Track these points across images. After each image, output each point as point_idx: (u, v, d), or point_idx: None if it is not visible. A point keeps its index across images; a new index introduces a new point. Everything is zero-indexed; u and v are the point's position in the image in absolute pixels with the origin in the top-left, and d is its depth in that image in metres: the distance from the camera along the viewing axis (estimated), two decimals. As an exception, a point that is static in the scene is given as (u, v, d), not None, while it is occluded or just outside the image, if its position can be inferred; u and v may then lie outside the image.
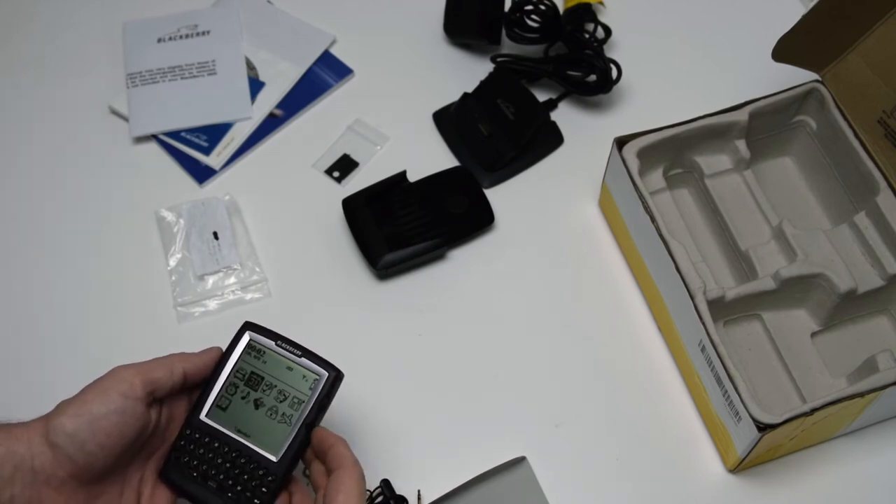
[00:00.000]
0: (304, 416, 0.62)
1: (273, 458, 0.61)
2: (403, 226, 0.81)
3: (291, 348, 0.63)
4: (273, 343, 0.64)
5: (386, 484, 0.70)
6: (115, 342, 0.78)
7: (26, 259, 0.82)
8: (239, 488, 0.60)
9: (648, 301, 0.79)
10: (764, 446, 0.67)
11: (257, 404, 0.62)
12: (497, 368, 0.77)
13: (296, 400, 0.62)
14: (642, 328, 0.78)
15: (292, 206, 0.84)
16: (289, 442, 0.61)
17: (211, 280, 0.80)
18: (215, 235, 0.82)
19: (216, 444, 0.61)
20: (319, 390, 0.62)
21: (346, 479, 0.58)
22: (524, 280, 0.81)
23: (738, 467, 0.71)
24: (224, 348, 0.64)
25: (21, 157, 0.87)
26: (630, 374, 0.76)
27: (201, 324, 0.78)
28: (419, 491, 0.71)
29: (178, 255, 0.81)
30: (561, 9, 0.92)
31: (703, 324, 0.69)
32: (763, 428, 0.64)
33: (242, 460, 0.61)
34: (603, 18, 0.92)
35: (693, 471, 0.72)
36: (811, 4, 0.74)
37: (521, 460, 0.72)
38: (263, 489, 0.60)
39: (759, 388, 0.73)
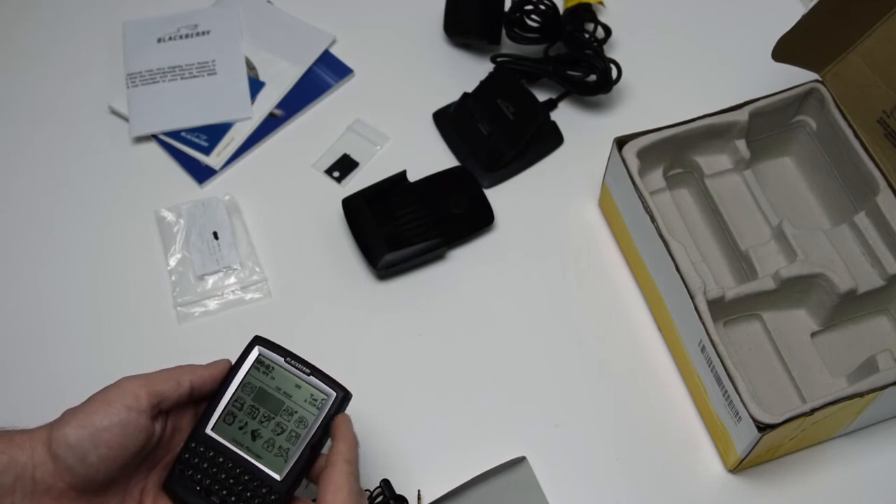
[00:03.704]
0: (309, 436, 0.61)
1: (277, 477, 0.60)
2: (403, 226, 0.81)
3: (300, 366, 0.63)
4: (282, 359, 0.63)
5: (386, 484, 0.70)
6: (114, 342, 0.78)
7: (26, 259, 0.82)
8: None
9: (648, 301, 0.79)
10: (764, 446, 0.67)
11: (263, 421, 0.62)
12: (497, 368, 0.77)
13: (302, 419, 0.61)
14: (642, 328, 0.78)
15: (292, 206, 0.84)
16: (293, 461, 0.60)
17: (211, 280, 0.80)
18: (215, 235, 0.82)
19: (220, 459, 0.61)
20: (326, 410, 0.61)
21: (335, 477, 0.58)
22: (524, 280, 0.81)
23: (738, 467, 0.71)
24: (232, 361, 0.63)
25: (21, 157, 0.87)
26: (630, 374, 0.76)
27: (201, 324, 0.78)
28: (419, 491, 0.70)
29: (178, 255, 0.81)
30: (561, 9, 0.92)
31: (703, 324, 0.69)
32: (763, 428, 0.64)
33: (246, 477, 0.60)
34: (603, 18, 0.92)
35: (693, 471, 0.72)
36: (811, 4, 0.74)
37: (521, 460, 0.72)
38: None
39: (759, 388, 0.73)
